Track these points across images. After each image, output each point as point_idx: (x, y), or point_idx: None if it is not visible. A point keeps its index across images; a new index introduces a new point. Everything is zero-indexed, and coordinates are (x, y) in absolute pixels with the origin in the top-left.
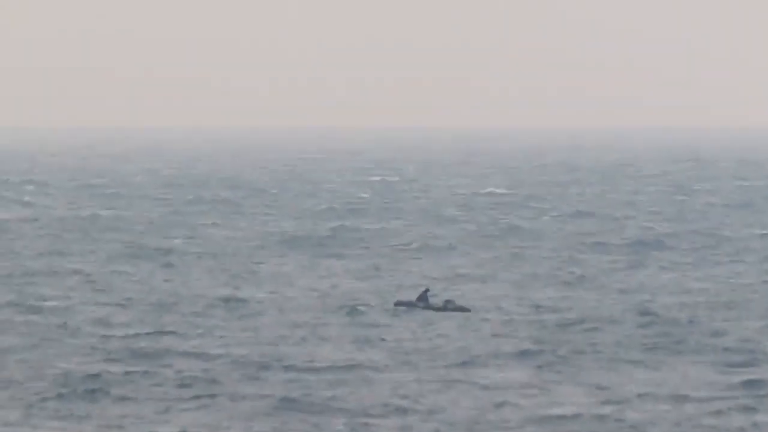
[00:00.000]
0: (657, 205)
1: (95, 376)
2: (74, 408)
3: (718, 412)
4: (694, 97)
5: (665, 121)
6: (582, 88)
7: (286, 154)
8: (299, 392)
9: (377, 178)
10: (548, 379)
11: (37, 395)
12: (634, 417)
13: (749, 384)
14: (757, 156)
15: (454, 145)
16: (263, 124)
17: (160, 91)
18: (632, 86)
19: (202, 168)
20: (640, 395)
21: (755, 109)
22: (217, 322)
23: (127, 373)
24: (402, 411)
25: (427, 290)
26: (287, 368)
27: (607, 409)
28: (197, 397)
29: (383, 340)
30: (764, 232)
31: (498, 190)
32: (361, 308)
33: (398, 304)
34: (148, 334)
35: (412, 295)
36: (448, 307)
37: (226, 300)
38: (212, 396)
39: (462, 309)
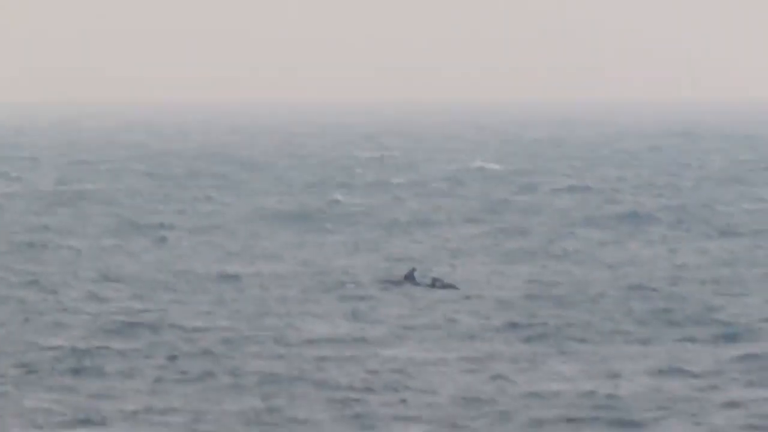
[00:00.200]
0: (648, 180)
1: (85, 350)
2: (64, 381)
3: (711, 387)
4: (683, 70)
5: (655, 95)
6: (570, 62)
7: (277, 128)
8: (288, 367)
9: (367, 153)
10: (539, 353)
11: (25, 368)
12: (625, 391)
13: (740, 359)
14: (748, 129)
15: (442, 119)
16: (254, 98)
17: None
18: (622, 60)
19: (193, 142)
20: (630, 370)
21: (746, 82)
22: (207, 297)
23: (117, 348)
24: (392, 386)
25: (414, 270)
26: (277, 343)
27: (598, 384)
28: (185, 371)
29: (372, 315)
30: (755, 206)
31: (488, 165)
32: (351, 284)
33: (387, 280)
34: (139, 309)
35: (402, 271)
36: (435, 285)
37: (217, 275)
38: (202, 371)
39: (450, 287)
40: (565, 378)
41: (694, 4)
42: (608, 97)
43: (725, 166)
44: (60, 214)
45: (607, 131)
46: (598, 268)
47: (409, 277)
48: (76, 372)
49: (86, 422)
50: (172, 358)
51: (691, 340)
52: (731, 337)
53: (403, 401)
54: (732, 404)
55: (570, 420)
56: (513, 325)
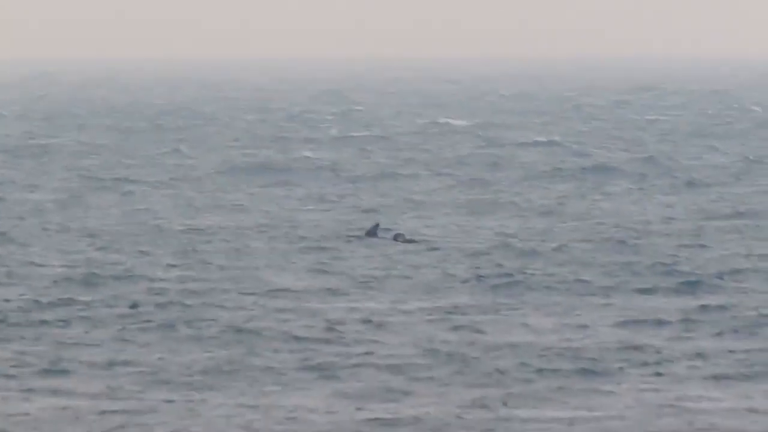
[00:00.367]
0: (613, 134)
1: (49, 302)
2: (28, 332)
3: (675, 338)
4: (650, 27)
5: (623, 52)
6: (539, 18)
7: (245, 84)
8: (250, 318)
9: (333, 108)
10: (504, 305)
11: None
12: (589, 342)
13: (701, 310)
14: (717, 85)
15: (408, 75)
16: (225, 54)
17: (120, 21)
18: (592, 17)
19: (158, 97)
20: (594, 321)
21: (715, 39)
22: (172, 249)
23: (81, 299)
24: (354, 337)
25: (377, 225)
26: (240, 294)
27: (562, 335)
28: (149, 321)
29: (336, 268)
30: (722, 160)
31: (455, 122)
32: (315, 237)
33: (351, 234)
34: (103, 261)
35: (366, 225)
36: (398, 239)
37: (182, 228)
38: (164, 322)
39: (413, 241)
40: (529, 329)
41: None
42: (580, 54)
43: (690, 121)
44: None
45: (575, 87)
46: (563, 221)
47: (372, 233)
48: (41, 323)
49: (50, 372)
50: (136, 308)
51: (655, 291)
52: (693, 289)
53: (367, 353)
54: (696, 355)
55: (535, 370)
56: (477, 277)
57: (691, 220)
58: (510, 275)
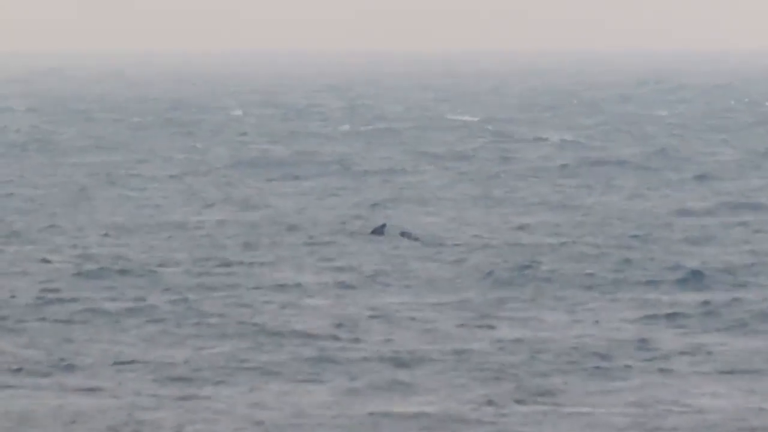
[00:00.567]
0: (622, 127)
1: (57, 299)
2: (32, 328)
3: (685, 333)
4: (655, 20)
5: (627, 45)
6: (541, 10)
7: (255, 78)
8: (254, 313)
9: (340, 103)
10: (514, 300)
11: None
12: (595, 337)
13: (710, 305)
14: (721, 79)
15: (414, 69)
16: (232, 48)
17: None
18: (594, 9)
19: (168, 91)
20: (600, 316)
21: (717, 32)
22: (177, 243)
23: (88, 296)
24: (359, 331)
25: (384, 225)
26: (243, 289)
27: (568, 330)
28: (153, 317)
29: (340, 263)
30: (732, 154)
31: (463, 117)
32: (320, 232)
33: (356, 231)
34: (108, 255)
35: (371, 219)
36: (405, 237)
37: (188, 221)
38: (173, 318)
39: (419, 239)
40: (538, 324)
41: None
42: (577, 47)
43: (698, 114)
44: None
45: (579, 80)
46: (573, 215)
47: (378, 232)
48: (48, 318)
49: (56, 367)
50: (140, 302)
51: (664, 285)
52: (702, 283)
53: (375, 347)
54: (704, 350)
55: (543, 365)
56: (487, 272)
57: (701, 214)
58: (519, 270)
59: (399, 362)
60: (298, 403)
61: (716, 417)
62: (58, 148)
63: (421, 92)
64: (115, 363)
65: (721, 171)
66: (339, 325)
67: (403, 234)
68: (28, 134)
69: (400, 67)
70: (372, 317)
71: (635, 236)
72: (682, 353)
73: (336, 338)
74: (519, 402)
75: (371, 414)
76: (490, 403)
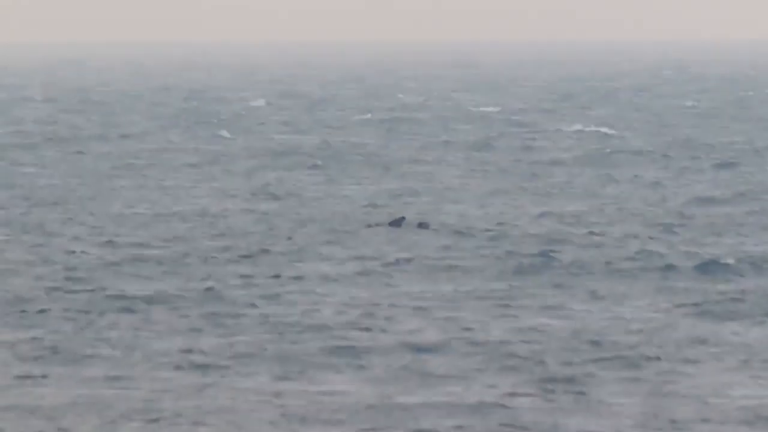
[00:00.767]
0: (644, 117)
1: (74, 289)
2: (49, 319)
3: (705, 323)
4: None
5: (641, 36)
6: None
7: (270, 68)
8: (279, 304)
9: (359, 93)
10: (535, 290)
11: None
12: (616, 326)
13: (725, 293)
14: (735, 68)
15: (426, 58)
16: (246, 39)
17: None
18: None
19: (187, 81)
20: (621, 304)
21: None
22: (201, 234)
23: (97, 285)
24: (386, 323)
25: (403, 218)
26: (269, 279)
27: (586, 319)
28: (176, 305)
29: (364, 253)
30: (755, 142)
31: (485, 108)
32: (343, 222)
33: (376, 222)
34: (129, 247)
35: (392, 210)
36: (422, 226)
37: (204, 211)
38: (193, 308)
39: (437, 230)
40: (557, 313)
41: None
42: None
43: (719, 104)
44: None
45: (600, 71)
46: (590, 204)
47: (396, 224)
48: (65, 309)
49: (73, 357)
50: (162, 291)
51: (683, 274)
52: (722, 273)
53: (396, 337)
54: (718, 339)
55: (563, 354)
56: (505, 261)
57: (722, 203)
58: (540, 258)
59: (419, 351)
60: (318, 392)
61: (738, 406)
62: (78, 138)
63: (439, 82)
64: (137, 351)
65: (742, 160)
66: (359, 315)
67: (420, 225)
68: (47, 124)
69: (415, 57)
70: (392, 306)
71: (656, 225)
72: (703, 342)
73: (356, 327)
74: (541, 390)
75: (392, 403)
76: (512, 392)
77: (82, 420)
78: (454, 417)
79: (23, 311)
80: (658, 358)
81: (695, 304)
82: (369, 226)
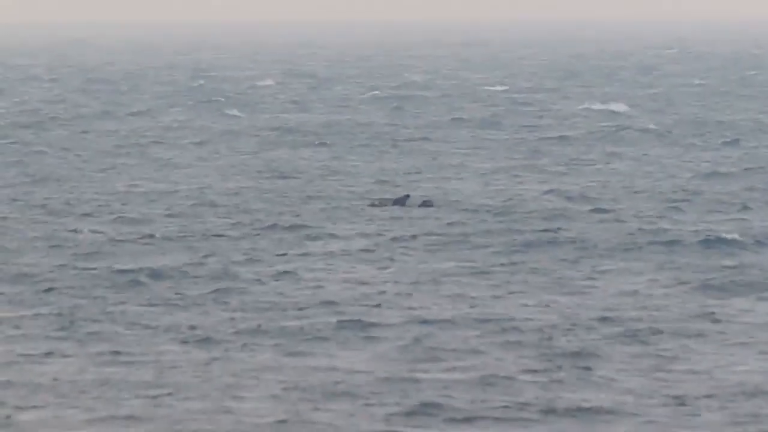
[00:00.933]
0: (642, 96)
1: (83, 269)
2: (59, 297)
3: (712, 301)
4: None
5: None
6: None
7: (275, 48)
8: (287, 282)
9: (365, 72)
10: (541, 265)
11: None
12: (623, 306)
13: (732, 269)
14: (739, 47)
15: (432, 38)
16: (250, 19)
17: None
18: None
19: (192, 60)
20: (621, 281)
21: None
22: (209, 214)
23: (103, 263)
24: (394, 300)
25: (407, 196)
26: (276, 257)
27: (597, 298)
28: (186, 283)
29: (370, 230)
30: (758, 120)
31: (493, 87)
32: (349, 199)
33: (380, 198)
34: (137, 227)
35: (394, 189)
36: (426, 204)
37: (210, 188)
38: (202, 285)
39: (441, 206)
40: (562, 289)
41: None
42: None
43: (728, 82)
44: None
45: (606, 49)
46: (596, 180)
47: (401, 203)
48: (72, 287)
49: (84, 333)
50: (167, 268)
51: (689, 250)
52: (730, 250)
53: (404, 314)
54: (724, 315)
55: (569, 327)
56: (511, 238)
57: (730, 180)
58: (546, 234)
59: (426, 326)
60: (322, 368)
61: (742, 381)
62: (84, 116)
63: (445, 60)
64: (142, 327)
65: (747, 137)
66: (364, 291)
67: (424, 203)
68: (54, 103)
69: (421, 36)
70: (397, 282)
71: (662, 202)
72: (708, 318)
73: (362, 303)
74: (547, 365)
75: (398, 377)
76: (518, 367)
77: (88, 395)
78: (461, 391)
79: (29, 288)
80: (663, 333)
81: (700, 280)
82: (374, 203)
